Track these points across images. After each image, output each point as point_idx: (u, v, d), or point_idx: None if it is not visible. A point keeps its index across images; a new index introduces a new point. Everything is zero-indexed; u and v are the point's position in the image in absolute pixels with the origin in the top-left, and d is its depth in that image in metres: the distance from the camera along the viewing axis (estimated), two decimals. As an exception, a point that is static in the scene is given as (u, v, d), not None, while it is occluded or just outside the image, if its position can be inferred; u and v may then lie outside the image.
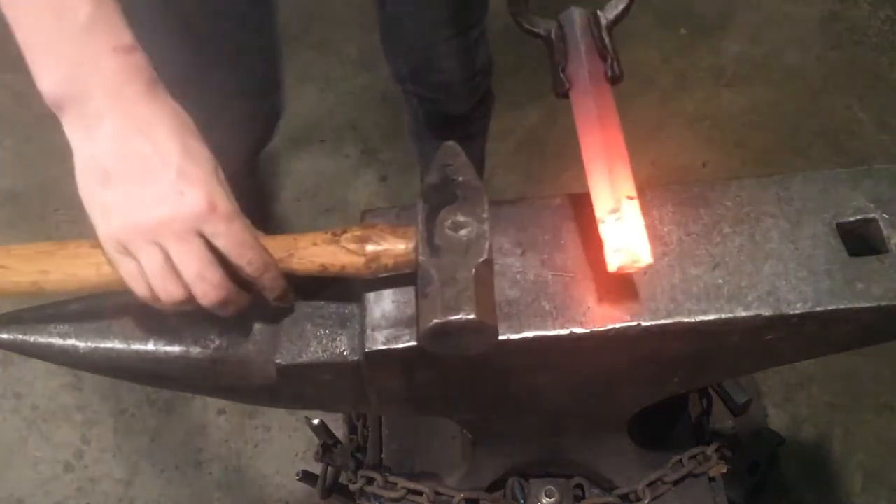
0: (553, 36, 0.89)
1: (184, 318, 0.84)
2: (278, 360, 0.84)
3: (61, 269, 0.79)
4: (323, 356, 0.84)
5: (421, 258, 0.77)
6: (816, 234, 0.83)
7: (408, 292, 0.82)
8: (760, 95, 2.46)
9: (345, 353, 0.84)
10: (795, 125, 2.39)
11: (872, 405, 1.97)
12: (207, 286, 0.76)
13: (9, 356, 2.16)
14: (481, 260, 0.74)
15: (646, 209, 0.86)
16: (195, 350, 0.86)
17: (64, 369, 2.04)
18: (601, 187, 0.80)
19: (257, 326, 0.86)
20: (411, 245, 0.79)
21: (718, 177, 0.90)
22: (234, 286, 0.78)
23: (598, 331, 0.80)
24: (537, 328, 0.80)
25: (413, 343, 0.79)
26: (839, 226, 0.83)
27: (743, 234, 0.84)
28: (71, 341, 0.87)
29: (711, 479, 1.09)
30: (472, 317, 0.71)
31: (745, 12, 2.63)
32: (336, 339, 0.84)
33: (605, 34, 0.88)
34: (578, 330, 0.80)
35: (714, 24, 2.61)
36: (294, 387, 0.87)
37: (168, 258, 0.74)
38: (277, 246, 0.81)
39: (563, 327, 0.80)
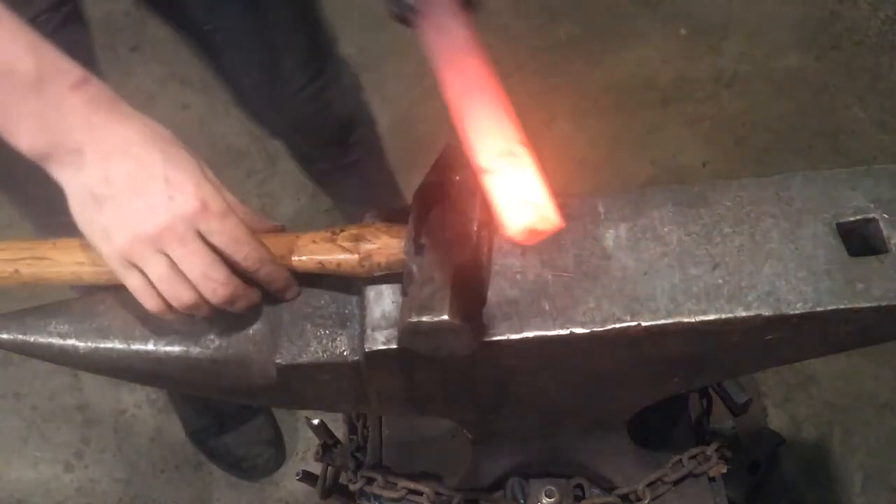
0: None
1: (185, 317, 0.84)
2: (278, 360, 0.84)
3: (94, 261, 0.83)
4: (323, 356, 0.84)
5: (405, 256, 0.77)
6: (816, 234, 0.83)
7: (408, 292, 0.82)
8: (760, 95, 2.45)
9: (345, 353, 0.84)
10: (795, 125, 2.39)
11: (872, 405, 1.97)
12: (215, 284, 0.78)
13: (9, 356, 2.16)
14: (463, 261, 0.74)
15: (646, 209, 0.86)
16: (195, 350, 0.86)
17: (64, 369, 2.03)
18: (485, 127, 0.63)
19: (257, 326, 0.86)
20: (403, 244, 0.79)
21: (718, 177, 0.90)
22: (241, 281, 0.80)
23: (598, 331, 0.79)
24: (537, 328, 0.80)
25: (413, 343, 0.79)
26: (839, 226, 0.83)
27: (743, 234, 0.84)
28: (71, 341, 0.87)
29: (711, 479, 1.09)
30: (444, 318, 0.70)
31: (745, 12, 2.63)
32: (336, 339, 0.84)
33: None
34: (578, 330, 0.79)
35: (714, 24, 2.61)
36: (294, 387, 0.87)
37: (173, 264, 0.76)
38: (279, 243, 0.82)
39: (563, 327, 0.80)
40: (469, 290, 0.74)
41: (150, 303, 0.79)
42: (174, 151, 0.77)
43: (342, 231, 0.82)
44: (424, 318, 0.70)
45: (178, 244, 0.75)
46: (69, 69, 0.75)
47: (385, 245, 0.80)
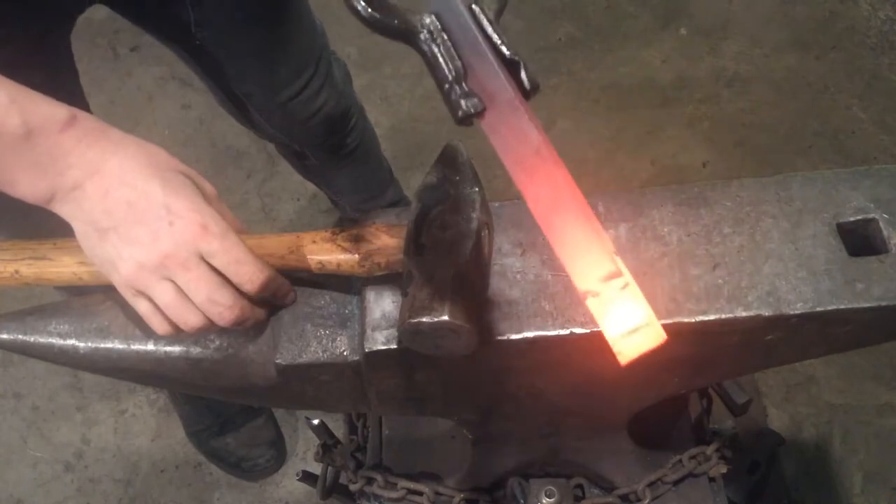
0: (432, 34, 0.64)
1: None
2: (278, 360, 0.84)
3: None
4: (323, 356, 0.84)
5: (405, 257, 0.77)
6: (816, 234, 0.83)
7: (408, 292, 0.82)
8: (760, 95, 2.45)
9: (345, 353, 0.84)
10: (795, 125, 2.39)
11: (872, 405, 1.97)
12: (221, 308, 0.78)
13: (9, 356, 2.16)
14: (463, 261, 0.74)
15: (646, 209, 0.86)
16: (195, 350, 0.86)
17: (64, 369, 2.04)
18: (581, 247, 0.61)
19: (257, 327, 0.86)
20: (403, 244, 0.79)
21: (718, 177, 0.90)
22: (247, 302, 0.80)
23: (598, 331, 0.79)
24: (537, 328, 0.80)
25: (413, 343, 0.79)
26: (839, 226, 0.83)
27: (743, 234, 0.84)
28: (71, 341, 0.87)
29: (711, 479, 1.09)
30: (444, 318, 0.70)
31: (745, 12, 2.63)
32: (336, 339, 0.84)
33: (496, 32, 0.62)
34: (578, 330, 0.80)
35: (714, 24, 2.61)
36: (294, 387, 0.87)
37: (179, 290, 0.77)
38: (280, 243, 0.82)
39: (563, 327, 0.80)
40: (469, 290, 0.73)
41: (159, 327, 0.80)
42: (171, 176, 0.77)
43: (342, 231, 0.83)
44: (424, 319, 0.70)
45: (182, 270, 0.76)
46: (54, 113, 0.74)
47: (385, 245, 0.80)
